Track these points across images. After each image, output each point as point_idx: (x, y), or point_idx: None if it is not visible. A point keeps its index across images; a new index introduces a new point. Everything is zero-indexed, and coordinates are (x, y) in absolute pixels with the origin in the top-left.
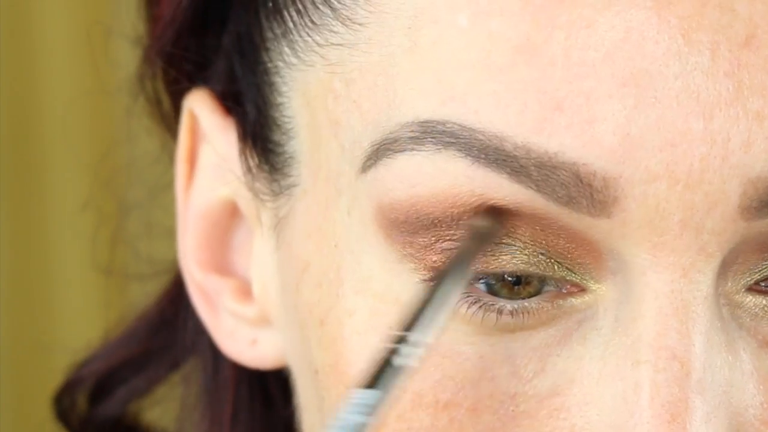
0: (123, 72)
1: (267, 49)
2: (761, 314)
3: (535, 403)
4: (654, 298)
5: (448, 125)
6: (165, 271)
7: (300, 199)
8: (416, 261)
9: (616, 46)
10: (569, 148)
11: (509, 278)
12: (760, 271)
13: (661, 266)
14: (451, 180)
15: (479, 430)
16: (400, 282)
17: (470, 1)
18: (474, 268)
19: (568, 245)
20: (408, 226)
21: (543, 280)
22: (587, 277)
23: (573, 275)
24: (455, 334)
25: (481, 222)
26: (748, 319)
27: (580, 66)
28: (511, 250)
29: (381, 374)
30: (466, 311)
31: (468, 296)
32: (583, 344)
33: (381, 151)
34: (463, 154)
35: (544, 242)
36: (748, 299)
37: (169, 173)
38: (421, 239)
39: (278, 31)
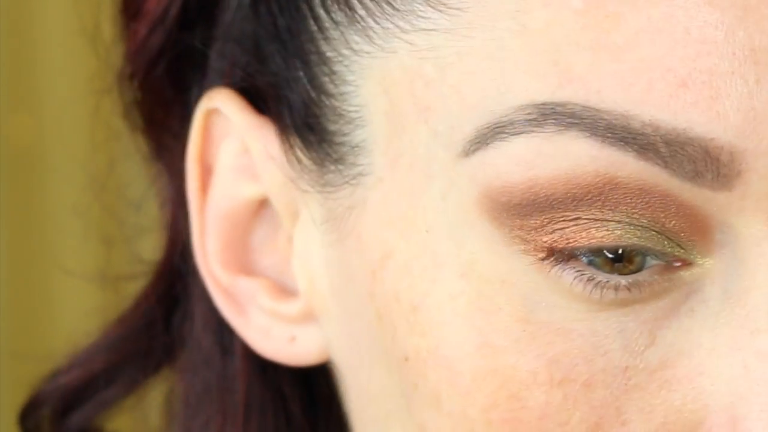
0: (110, 75)
1: (327, 39)
2: None
3: (646, 375)
4: None
5: (568, 106)
6: (144, 273)
7: (373, 188)
8: (526, 242)
9: (734, 24)
10: (697, 124)
11: (610, 255)
12: None
13: None
14: (574, 160)
15: (592, 405)
16: (507, 264)
17: None
18: (585, 242)
19: (681, 222)
20: (521, 209)
21: (645, 256)
22: (694, 252)
23: (681, 250)
24: (568, 312)
25: None
26: None
27: (701, 43)
28: (623, 226)
29: None
30: (583, 290)
31: (582, 274)
32: (692, 316)
33: (491, 134)
34: (588, 134)
35: (658, 220)
36: None
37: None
38: (533, 221)
39: (342, 19)
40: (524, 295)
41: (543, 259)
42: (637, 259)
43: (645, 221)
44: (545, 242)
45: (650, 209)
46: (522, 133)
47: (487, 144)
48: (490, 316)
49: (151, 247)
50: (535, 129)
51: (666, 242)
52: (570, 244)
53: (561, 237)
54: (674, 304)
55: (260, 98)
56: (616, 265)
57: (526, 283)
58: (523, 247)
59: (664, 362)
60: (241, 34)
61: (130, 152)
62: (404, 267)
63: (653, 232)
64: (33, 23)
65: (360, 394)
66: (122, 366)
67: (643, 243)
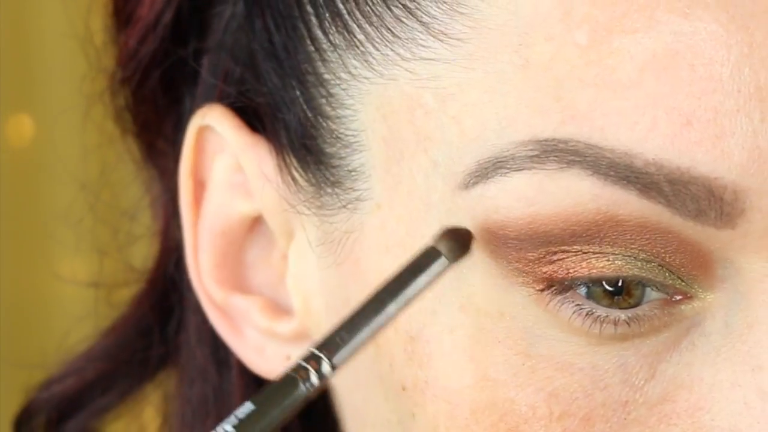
0: (102, 81)
1: (324, 60)
2: None
3: (646, 410)
4: None
5: (571, 144)
6: (137, 280)
7: (371, 214)
8: (525, 275)
9: (740, 61)
10: (701, 163)
11: (609, 287)
12: None
13: None
14: (575, 198)
15: None
16: (506, 297)
17: (588, 18)
18: (585, 272)
19: (683, 258)
20: (519, 243)
21: (645, 287)
22: (696, 286)
23: (682, 283)
24: (567, 346)
25: (445, 244)
26: None
27: (707, 81)
28: (624, 257)
29: (275, 389)
30: (582, 324)
31: (581, 308)
32: (692, 350)
33: (492, 168)
34: (590, 172)
35: (659, 255)
36: None
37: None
38: (531, 254)
39: (339, 42)
40: (523, 329)
41: (542, 291)
42: (637, 292)
43: (645, 255)
44: (544, 273)
45: (651, 245)
46: (523, 169)
47: (488, 178)
48: (489, 350)
49: (145, 254)
50: (536, 165)
51: (667, 274)
52: (570, 275)
53: (560, 267)
54: (675, 338)
55: (255, 116)
56: (616, 298)
57: (525, 316)
58: (521, 279)
59: (664, 396)
60: (234, 45)
61: (125, 158)
62: None
63: (654, 264)
64: (32, 24)
65: (355, 416)
66: (117, 373)
67: (644, 274)
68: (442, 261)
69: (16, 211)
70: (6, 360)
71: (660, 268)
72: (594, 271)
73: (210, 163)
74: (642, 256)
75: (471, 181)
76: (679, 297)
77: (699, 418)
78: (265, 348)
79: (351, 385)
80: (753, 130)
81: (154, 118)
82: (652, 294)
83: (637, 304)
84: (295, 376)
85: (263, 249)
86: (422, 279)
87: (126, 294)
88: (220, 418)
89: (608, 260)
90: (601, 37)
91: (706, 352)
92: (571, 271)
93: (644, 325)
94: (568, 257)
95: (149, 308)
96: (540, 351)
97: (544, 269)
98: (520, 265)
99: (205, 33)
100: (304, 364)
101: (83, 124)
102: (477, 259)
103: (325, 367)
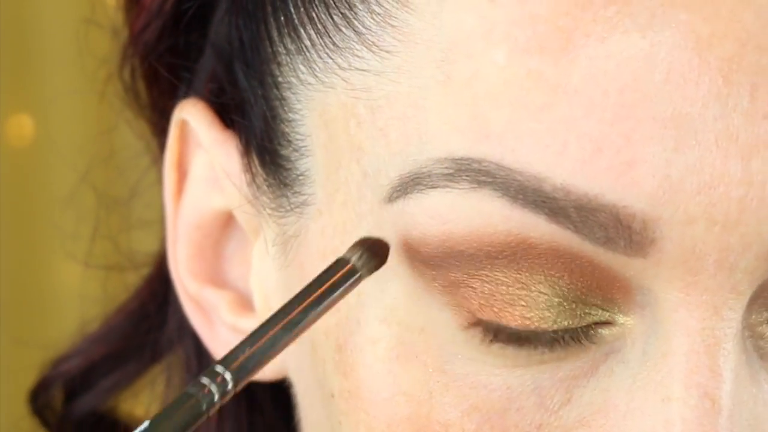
0: (109, 64)
1: (278, 64)
2: None
3: None
4: (685, 335)
5: (484, 164)
6: (145, 264)
7: (314, 219)
8: (445, 294)
9: (656, 88)
10: (609, 191)
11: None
12: None
13: (694, 304)
14: (486, 219)
15: None
16: (426, 313)
17: (508, 38)
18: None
19: (600, 283)
20: (438, 260)
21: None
22: (615, 311)
23: (601, 311)
24: (483, 365)
25: (359, 256)
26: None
27: (620, 107)
28: (541, 296)
29: (173, 407)
30: (501, 348)
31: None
32: (610, 376)
33: (410, 184)
34: (500, 194)
35: (576, 281)
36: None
37: (152, 167)
38: (451, 274)
39: (292, 47)
40: (441, 345)
41: (459, 314)
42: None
43: (563, 283)
44: (464, 295)
45: (567, 270)
46: (438, 186)
47: (407, 193)
48: (406, 364)
49: (137, 240)
50: (450, 184)
51: (586, 310)
52: (495, 319)
53: (478, 297)
54: (593, 363)
55: (228, 114)
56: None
57: (443, 333)
58: (441, 298)
59: (580, 421)
60: (220, 42)
61: (128, 145)
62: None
63: (572, 298)
64: (32, 24)
65: (304, 419)
66: (122, 355)
67: (561, 320)
68: (353, 272)
69: (16, 210)
70: (5, 365)
71: (578, 305)
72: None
73: (191, 156)
74: (559, 283)
75: (394, 195)
76: (601, 323)
77: None
78: (232, 343)
79: (301, 390)
80: (665, 159)
81: (159, 101)
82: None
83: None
84: (194, 392)
85: (239, 243)
86: (334, 292)
87: (125, 287)
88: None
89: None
90: (519, 58)
91: (623, 379)
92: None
93: (563, 350)
94: (486, 287)
95: (151, 294)
96: (456, 369)
97: (464, 292)
98: (440, 283)
99: (205, 26)
100: (206, 380)
101: (87, 117)
102: (400, 273)
103: (228, 382)
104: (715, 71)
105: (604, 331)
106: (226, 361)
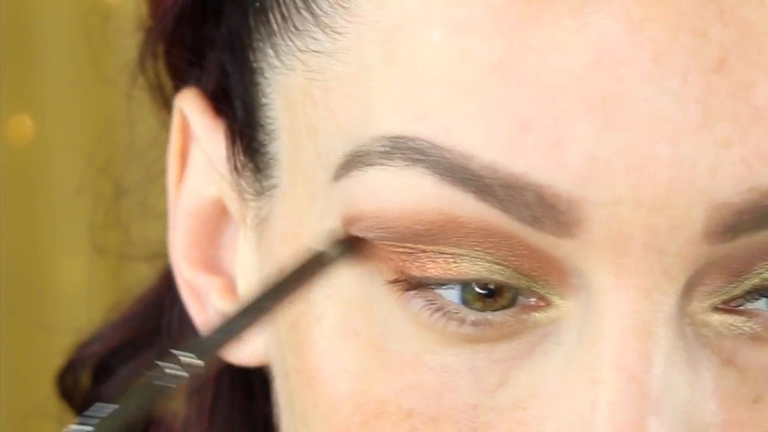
0: (120, 57)
1: (254, 49)
2: (726, 332)
3: (496, 414)
4: (615, 317)
5: (417, 142)
6: (160, 254)
7: (280, 201)
8: (379, 260)
9: (587, 69)
10: (535, 170)
11: (481, 290)
12: (728, 292)
13: (623, 287)
14: (419, 197)
15: None
16: (367, 288)
17: (445, 18)
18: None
19: (533, 263)
20: (374, 236)
21: (514, 292)
22: (552, 292)
23: (538, 288)
24: (419, 343)
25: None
26: (712, 337)
27: (550, 87)
28: (472, 260)
29: (135, 390)
30: (429, 318)
31: (432, 303)
32: (546, 359)
33: (352, 162)
34: (431, 172)
35: (509, 260)
36: (713, 318)
37: (165, 157)
38: (387, 250)
39: (264, 32)
40: (381, 322)
41: (393, 282)
42: (507, 294)
43: (491, 258)
44: (398, 266)
45: (496, 249)
46: (375, 164)
47: (349, 171)
48: (348, 341)
49: (152, 230)
50: (385, 161)
51: (523, 279)
52: (418, 273)
53: (413, 264)
54: (529, 345)
55: (219, 101)
56: (487, 300)
57: (381, 309)
58: (379, 271)
59: (517, 403)
60: (225, 30)
61: (129, 138)
62: None
63: (509, 270)
64: (32, 24)
65: (275, 399)
66: (140, 342)
67: (494, 276)
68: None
69: (16, 210)
70: (5, 365)
71: (514, 273)
72: (440, 271)
73: (191, 144)
74: (488, 258)
75: (339, 174)
76: (540, 303)
77: (546, 428)
78: None
79: (273, 372)
80: (593, 139)
81: (183, 78)
82: (521, 300)
83: (510, 305)
84: (150, 375)
85: (234, 231)
86: (298, 276)
87: (135, 269)
88: (200, 397)
89: (455, 263)
90: (454, 38)
91: (558, 361)
92: (421, 268)
93: (492, 330)
94: (423, 256)
95: (167, 283)
96: (393, 347)
97: (398, 263)
98: (378, 259)
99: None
100: (162, 363)
101: (88, 117)
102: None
103: (182, 364)
104: (646, 53)
105: (539, 315)
106: (185, 347)
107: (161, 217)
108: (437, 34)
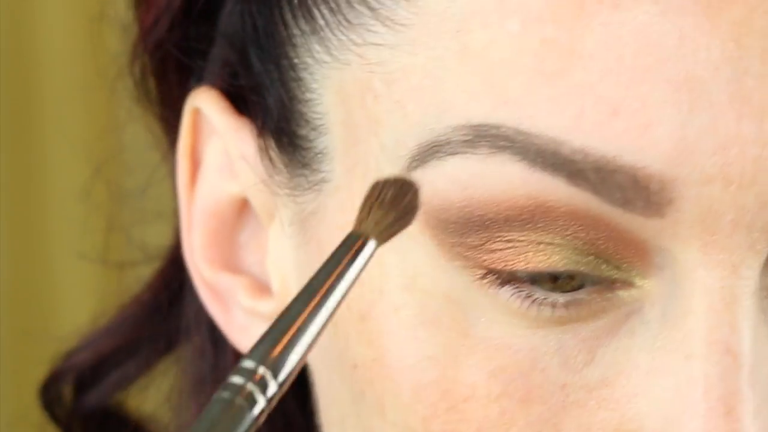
0: (119, 60)
1: (294, 45)
2: None
3: (585, 393)
4: (705, 293)
5: (502, 129)
6: (156, 257)
7: (332, 195)
8: (465, 260)
9: (669, 52)
10: (627, 152)
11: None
12: None
13: (712, 263)
14: (506, 183)
15: (529, 421)
16: (448, 279)
17: (521, 7)
18: (522, 266)
19: (617, 246)
20: (458, 227)
21: (587, 277)
22: (633, 274)
23: (619, 273)
24: (507, 327)
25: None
26: None
27: (635, 71)
28: (560, 250)
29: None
30: (519, 306)
31: (520, 291)
32: (631, 337)
33: (430, 152)
34: (519, 158)
35: (594, 243)
36: None
37: (163, 161)
38: (470, 240)
39: (306, 28)
40: (464, 310)
41: (482, 278)
42: (577, 277)
43: (580, 243)
44: (484, 262)
45: (584, 232)
46: (457, 153)
47: (426, 162)
48: (431, 329)
49: (148, 234)
50: (469, 150)
51: (604, 266)
52: (507, 267)
53: (499, 259)
54: (614, 324)
55: (242, 99)
56: (558, 281)
57: (466, 298)
58: (462, 263)
59: (603, 381)
60: (232, 31)
61: (135, 140)
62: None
63: (590, 257)
64: (32, 25)
65: (322, 396)
66: (132, 348)
67: (580, 268)
68: (369, 245)
69: (17, 210)
70: (6, 366)
71: (596, 259)
72: (530, 265)
73: (205, 144)
74: (577, 244)
75: (413, 165)
76: (619, 285)
77: (635, 404)
78: (250, 327)
79: (319, 365)
80: (681, 120)
81: (169, 95)
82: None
83: (579, 288)
84: (229, 397)
85: (255, 229)
86: (350, 265)
87: (132, 273)
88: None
89: (545, 254)
90: (532, 27)
91: (644, 339)
92: (509, 264)
93: (583, 310)
94: (506, 248)
95: (163, 285)
96: (480, 332)
97: (483, 257)
98: (462, 250)
99: (215, 17)
100: (239, 379)
101: (88, 117)
102: (421, 241)
103: (267, 380)
104: (726, 35)
105: (623, 293)
106: (254, 354)
107: (161, 219)
108: (514, 23)
